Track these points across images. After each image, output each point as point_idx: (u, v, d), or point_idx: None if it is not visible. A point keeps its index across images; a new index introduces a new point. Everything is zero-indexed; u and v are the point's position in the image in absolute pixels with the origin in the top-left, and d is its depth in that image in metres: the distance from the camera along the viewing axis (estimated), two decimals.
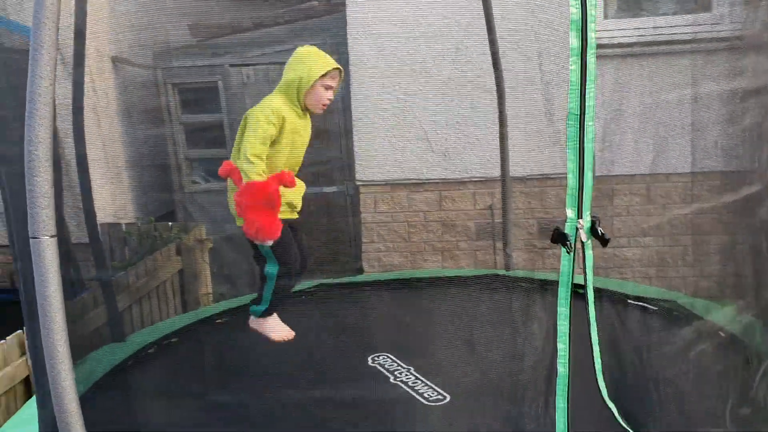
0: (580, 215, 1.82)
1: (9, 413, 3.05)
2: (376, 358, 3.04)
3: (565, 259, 1.86)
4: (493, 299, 2.83)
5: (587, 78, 1.69)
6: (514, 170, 4.18)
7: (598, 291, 3.44)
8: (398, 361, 2.98)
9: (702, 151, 2.78)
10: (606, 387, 1.98)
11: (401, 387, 2.75)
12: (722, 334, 2.69)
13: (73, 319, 3.14)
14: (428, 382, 2.77)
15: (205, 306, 4.36)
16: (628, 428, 1.97)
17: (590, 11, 1.66)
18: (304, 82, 2.66)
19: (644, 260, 4.33)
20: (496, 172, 4.25)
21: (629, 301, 3.30)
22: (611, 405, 1.96)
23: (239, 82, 4.85)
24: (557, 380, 1.91)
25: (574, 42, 1.67)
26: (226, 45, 4.93)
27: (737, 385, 2.35)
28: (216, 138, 4.92)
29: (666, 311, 3.19)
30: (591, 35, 1.67)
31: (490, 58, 3.92)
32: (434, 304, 3.20)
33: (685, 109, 2.91)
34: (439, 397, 2.69)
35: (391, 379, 2.85)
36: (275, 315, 2.86)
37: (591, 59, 1.69)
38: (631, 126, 3.25)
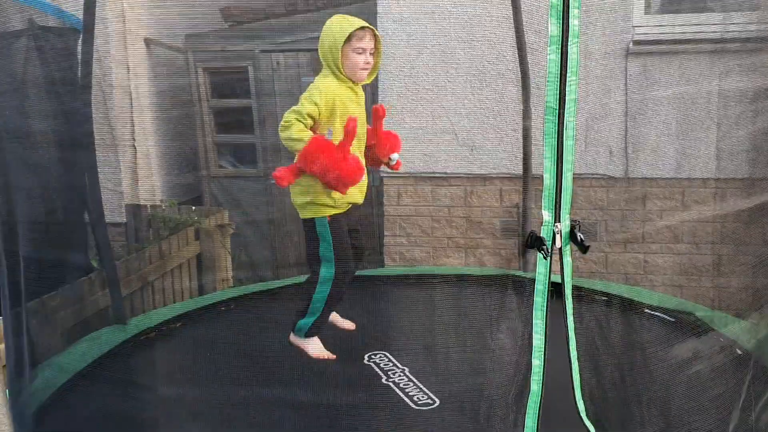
0: (558, 219, 1.68)
1: None
2: (372, 356, 2.95)
3: (541, 266, 1.73)
4: (498, 300, 2.67)
5: (568, 69, 1.55)
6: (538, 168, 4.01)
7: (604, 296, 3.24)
8: (394, 361, 2.88)
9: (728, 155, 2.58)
10: (586, 405, 1.84)
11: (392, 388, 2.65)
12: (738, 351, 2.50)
13: (74, 300, 3.19)
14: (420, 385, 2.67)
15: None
16: None
17: None
18: (334, 52, 2.50)
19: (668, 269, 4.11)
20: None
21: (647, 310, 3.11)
22: (589, 425, 1.82)
23: (269, 68, 4.81)
24: (529, 398, 1.78)
25: (554, 30, 1.53)
26: (257, 30, 4.91)
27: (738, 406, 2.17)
28: (244, 123, 4.91)
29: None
30: (573, 22, 1.53)
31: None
32: (439, 303, 3.06)
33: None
34: (429, 401, 2.59)
35: (383, 380, 2.76)
36: (317, 338, 2.70)
37: (573, 48, 1.54)
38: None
